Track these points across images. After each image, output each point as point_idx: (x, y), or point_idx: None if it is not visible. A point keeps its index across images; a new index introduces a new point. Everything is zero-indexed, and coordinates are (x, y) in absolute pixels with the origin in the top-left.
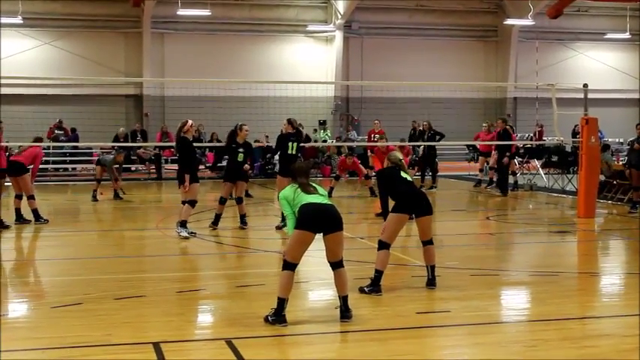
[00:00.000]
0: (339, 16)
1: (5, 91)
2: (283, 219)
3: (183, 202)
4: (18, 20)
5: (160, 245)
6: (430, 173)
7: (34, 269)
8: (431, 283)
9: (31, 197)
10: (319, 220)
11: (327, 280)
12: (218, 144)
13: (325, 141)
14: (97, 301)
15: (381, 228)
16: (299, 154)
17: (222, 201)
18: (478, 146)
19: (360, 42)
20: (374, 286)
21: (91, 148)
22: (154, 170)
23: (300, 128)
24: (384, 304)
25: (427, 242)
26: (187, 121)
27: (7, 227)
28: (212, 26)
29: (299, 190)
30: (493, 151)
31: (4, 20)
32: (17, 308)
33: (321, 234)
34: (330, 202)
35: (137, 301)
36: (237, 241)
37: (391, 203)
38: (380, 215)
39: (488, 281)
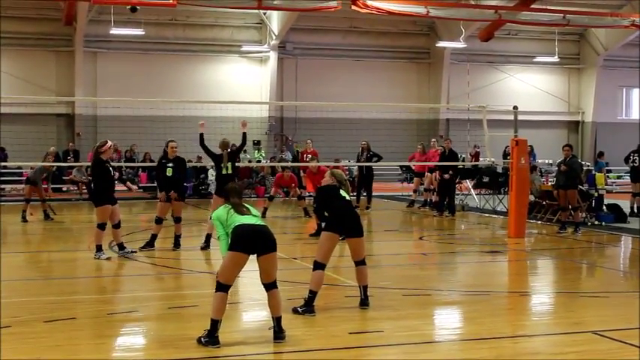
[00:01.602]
0: (274, 37)
1: None
2: (206, 240)
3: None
4: None
5: (91, 267)
6: (365, 194)
7: None
8: (364, 303)
9: None
10: (253, 242)
11: (261, 301)
12: (151, 164)
13: (259, 161)
14: (27, 324)
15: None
16: (235, 175)
17: (159, 221)
18: (413, 167)
19: (294, 62)
20: (307, 307)
21: (20, 168)
22: (85, 191)
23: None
24: (318, 324)
25: (359, 262)
26: (107, 142)
27: None
28: (146, 45)
29: (232, 210)
30: (427, 172)
31: None
32: None
33: (255, 255)
34: (263, 223)
35: (68, 323)
36: (170, 262)
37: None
38: (314, 235)
39: (421, 301)
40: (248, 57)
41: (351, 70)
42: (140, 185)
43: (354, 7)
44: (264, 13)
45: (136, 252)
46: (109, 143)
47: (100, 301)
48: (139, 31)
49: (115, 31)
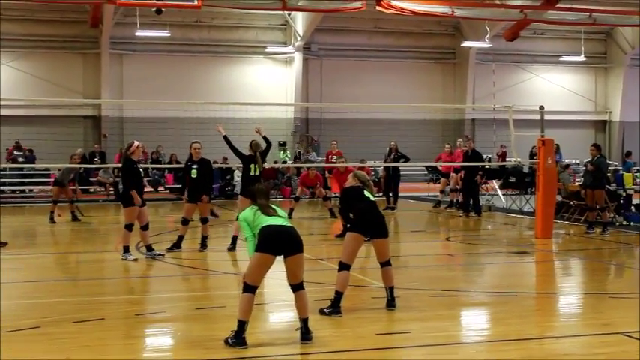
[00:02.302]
0: (298, 38)
1: None
2: (233, 241)
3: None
4: None
5: (119, 268)
6: (391, 194)
7: None
8: (390, 304)
9: None
10: (279, 243)
11: (287, 302)
12: (177, 165)
13: (285, 162)
14: (56, 324)
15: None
16: (261, 176)
17: (185, 222)
18: (440, 168)
19: (319, 63)
20: (334, 308)
21: (48, 170)
22: (112, 192)
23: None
24: (345, 325)
25: (385, 263)
26: (133, 143)
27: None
28: (171, 47)
29: (259, 212)
30: (452, 173)
31: None
32: None
33: (282, 256)
34: (290, 224)
35: (96, 324)
36: (197, 262)
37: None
38: (340, 236)
39: (448, 302)
40: (273, 58)
41: (376, 70)
42: (167, 187)
43: (378, 8)
44: (289, 14)
45: (163, 255)
46: (136, 143)
47: (128, 302)
48: (164, 33)
49: (140, 33)
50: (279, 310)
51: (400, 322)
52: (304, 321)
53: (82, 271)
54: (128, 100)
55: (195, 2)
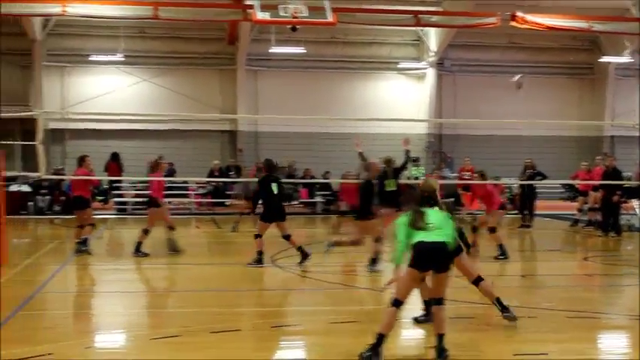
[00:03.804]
0: (432, 54)
1: (108, 126)
2: (374, 261)
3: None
4: (119, 58)
5: (257, 279)
6: (527, 212)
7: (132, 301)
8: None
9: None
10: (431, 261)
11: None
12: (311, 180)
13: (417, 178)
14: (195, 334)
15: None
16: (399, 191)
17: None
18: (577, 186)
19: (452, 79)
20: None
21: (186, 182)
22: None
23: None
24: (481, 345)
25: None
26: None
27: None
28: (305, 63)
29: (414, 218)
30: (591, 192)
31: (106, 58)
32: (117, 339)
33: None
34: (442, 239)
35: (233, 334)
36: (331, 277)
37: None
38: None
39: (586, 324)
40: (406, 74)
41: (510, 86)
42: (301, 201)
43: (512, 23)
44: (422, 30)
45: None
46: None
47: (263, 314)
48: (299, 49)
49: (275, 49)
50: (412, 325)
51: (537, 343)
52: (440, 337)
53: (220, 282)
54: (263, 115)
55: (330, 19)
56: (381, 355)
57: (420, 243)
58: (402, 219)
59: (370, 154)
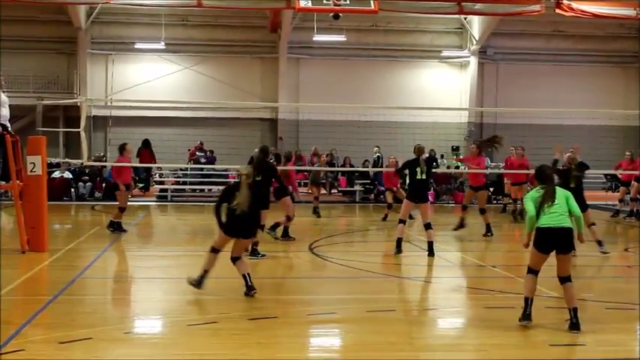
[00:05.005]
0: (475, 42)
1: (149, 113)
2: (398, 244)
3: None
4: (161, 46)
5: (294, 267)
6: None
7: (171, 287)
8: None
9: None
10: (553, 244)
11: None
12: (351, 168)
13: (457, 167)
14: (233, 321)
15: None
16: (430, 180)
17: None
18: (619, 176)
19: (495, 68)
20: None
21: (227, 170)
22: None
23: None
24: (518, 334)
25: (565, 279)
26: None
27: None
28: (346, 51)
29: (542, 195)
30: (633, 182)
31: (148, 46)
32: (156, 325)
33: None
34: (566, 224)
35: (270, 321)
36: (367, 265)
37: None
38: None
39: (626, 315)
40: (448, 62)
41: (553, 75)
42: (340, 189)
43: (558, 11)
44: (465, 18)
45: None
46: None
47: (300, 302)
48: (341, 37)
49: (317, 37)
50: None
51: (575, 333)
52: (574, 311)
53: (258, 269)
54: (304, 103)
55: (373, 7)
56: (530, 316)
57: (546, 229)
58: (531, 194)
59: (409, 142)
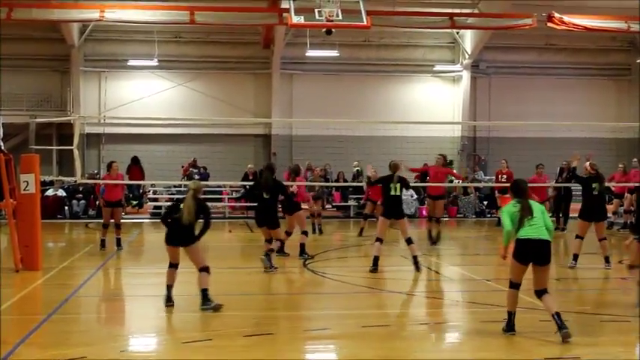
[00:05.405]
0: (467, 56)
1: (143, 130)
2: (374, 263)
3: None
4: (154, 63)
5: (288, 283)
6: (562, 215)
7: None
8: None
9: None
10: (532, 256)
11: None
12: (345, 183)
13: (452, 181)
14: (227, 337)
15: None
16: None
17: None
18: (613, 188)
19: (487, 81)
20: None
21: (220, 187)
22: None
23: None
24: (515, 347)
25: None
26: None
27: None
28: (339, 67)
29: (519, 210)
30: (627, 194)
31: (141, 63)
32: (150, 342)
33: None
34: (545, 237)
35: (265, 338)
36: (362, 280)
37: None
38: None
39: (621, 327)
40: (441, 76)
41: (546, 88)
42: (334, 204)
43: (549, 24)
44: (457, 33)
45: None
46: None
47: (295, 318)
48: (333, 53)
49: (310, 53)
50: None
51: (569, 345)
52: (557, 315)
53: (253, 286)
54: (297, 119)
55: (365, 22)
56: (514, 327)
57: (526, 241)
58: (507, 208)
59: (404, 157)
